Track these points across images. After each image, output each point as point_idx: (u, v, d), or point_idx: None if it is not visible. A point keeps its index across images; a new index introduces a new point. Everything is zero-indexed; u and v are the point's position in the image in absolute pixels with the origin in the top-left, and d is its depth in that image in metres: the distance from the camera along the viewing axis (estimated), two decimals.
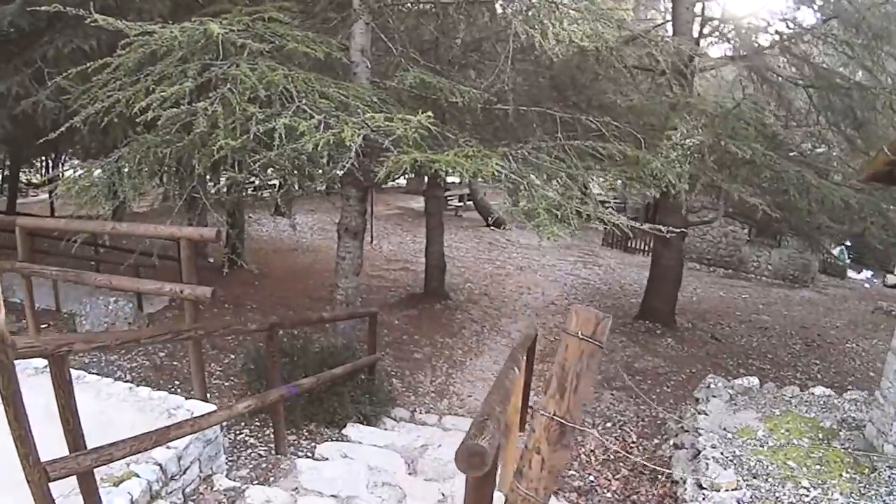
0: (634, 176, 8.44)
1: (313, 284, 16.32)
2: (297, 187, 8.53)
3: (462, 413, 9.97)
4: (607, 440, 9.30)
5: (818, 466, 7.13)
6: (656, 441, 9.44)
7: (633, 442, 9.38)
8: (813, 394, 9.26)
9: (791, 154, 10.91)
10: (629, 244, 26.73)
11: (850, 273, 26.43)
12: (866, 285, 25.54)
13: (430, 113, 6.21)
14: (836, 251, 24.84)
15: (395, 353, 12.02)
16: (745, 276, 23.76)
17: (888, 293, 24.40)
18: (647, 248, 26.00)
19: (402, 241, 24.29)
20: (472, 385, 11.15)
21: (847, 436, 7.87)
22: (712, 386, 9.51)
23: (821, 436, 7.89)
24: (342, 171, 6.83)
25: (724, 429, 8.33)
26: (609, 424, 9.86)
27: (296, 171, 8.08)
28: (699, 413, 8.78)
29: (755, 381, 9.71)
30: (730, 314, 17.69)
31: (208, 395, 6.96)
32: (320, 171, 8.41)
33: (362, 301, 15.18)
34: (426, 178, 15.56)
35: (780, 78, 12.15)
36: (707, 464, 7.13)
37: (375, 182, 7.38)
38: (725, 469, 7.11)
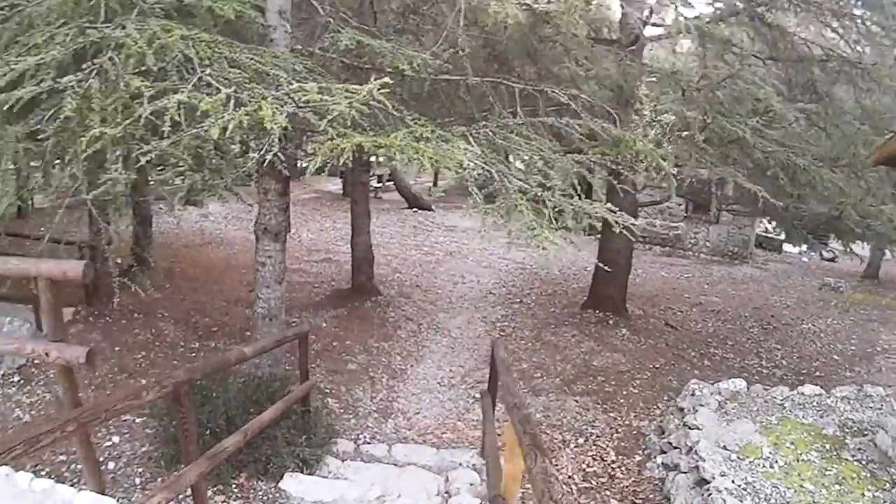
0: (618, 159, 7.11)
1: (230, 284, 14.60)
2: (199, 186, 6.77)
3: (412, 437, 8.59)
4: (583, 461, 8.06)
5: (837, 486, 6.50)
6: (638, 458, 8.29)
7: (613, 461, 8.17)
8: (803, 394, 8.52)
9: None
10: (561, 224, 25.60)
11: (786, 247, 26.14)
12: (804, 259, 25.36)
13: (386, 80, 4.68)
14: (770, 225, 24.43)
15: (328, 365, 10.52)
16: (683, 254, 22.97)
17: (826, 266, 24.42)
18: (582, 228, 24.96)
19: (322, 228, 22.53)
20: (417, 399, 9.77)
21: (856, 445, 7.23)
22: (697, 393, 8.39)
23: (828, 447, 7.24)
24: (262, 162, 5.31)
25: (725, 447, 7.28)
26: (581, 440, 8.62)
27: (198, 166, 6.43)
28: (690, 428, 7.68)
29: (741, 384, 8.68)
30: (678, 297, 16.77)
31: (106, 484, 5.39)
32: (232, 162, 6.84)
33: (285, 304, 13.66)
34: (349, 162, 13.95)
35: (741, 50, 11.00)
36: (723, 499, 6.06)
37: (304, 172, 5.81)
38: (742, 502, 6.09)
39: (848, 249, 13.01)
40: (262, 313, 8.14)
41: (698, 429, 7.61)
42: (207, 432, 6.17)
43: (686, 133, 8.33)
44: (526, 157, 6.60)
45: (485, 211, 5.84)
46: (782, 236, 26.01)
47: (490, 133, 6.22)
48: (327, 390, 9.63)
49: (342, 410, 9.11)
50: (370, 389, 9.89)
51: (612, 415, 9.49)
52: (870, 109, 10.37)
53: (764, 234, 25.45)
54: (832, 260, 25.55)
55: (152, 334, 10.86)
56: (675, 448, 7.79)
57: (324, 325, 12.33)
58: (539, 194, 5.86)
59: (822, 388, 8.63)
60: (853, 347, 13.84)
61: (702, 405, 8.07)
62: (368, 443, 8.24)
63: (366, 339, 11.79)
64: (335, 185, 30.95)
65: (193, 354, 10.46)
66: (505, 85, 7.46)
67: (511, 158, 7.61)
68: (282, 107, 4.89)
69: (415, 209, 27.50)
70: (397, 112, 6.10)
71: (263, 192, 7.79)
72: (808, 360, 12.91)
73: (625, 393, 10.26)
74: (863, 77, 9.77)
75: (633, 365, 11.35)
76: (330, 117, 4.78)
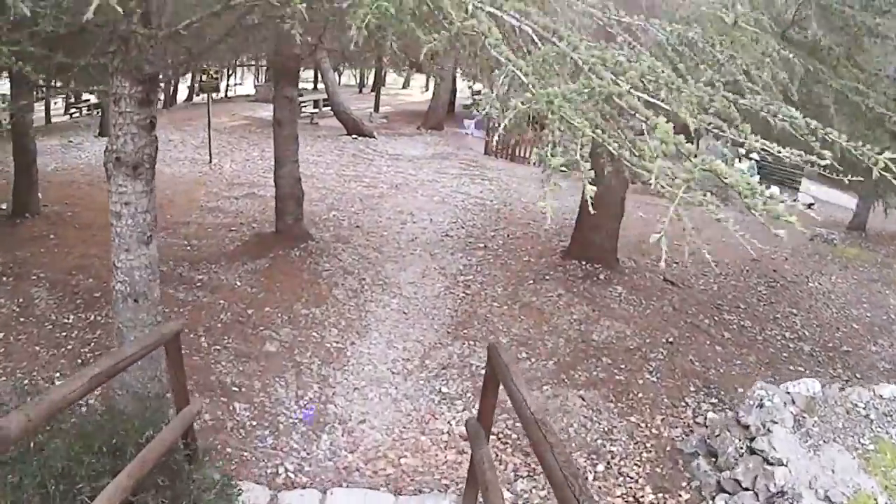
0: None
1: None
2: None
3: (357, 464, 5.91)
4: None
5: None
6: (685, 495, 5.71)
7: (652, 501, 5.61)
8: (882, 397, 6.13)
9: None
10: (516, 152, 22.93)
11: None
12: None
13: None
14: (743, 165, 22.28)
15: (238, 346, 7.72)
16: (659, 193, 20.30)
17: (804, 214, 22.01)
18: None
19: (248, 157, 19.28)
20: (361, 397, 7.05)
21: None
22: (767, 403, 5.82)
23: None
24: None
25: (827, 496, 4.75)
26: (601, 466, 6.06)
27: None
28: (769, 462, 5.16)
29: (815, 386, 6.16)
30: (669, 246, 14.14)
31: None
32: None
33: (189, 253, 10.73)
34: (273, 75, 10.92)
35: None
36: None
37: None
38: None
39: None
40: (121, 291, 5.29)
41: (782, 464, 5.13)
42: None
43: None
44: None
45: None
46: (756, 179, 24.12)
47: None
48: (234, 388, 6.86)
49: (254, 423, 6.35)
50: (295, 383, 7.12)
51: (632, 419, 6.96)
52: None
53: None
54: (810, 206, 23.51)
55: (18, 305, 8.28)
56: (747, 490, 5.27)
57: (237, 284, 9.45)
58: None
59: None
60: (868, 315, 11.58)
61: (775, 422, 5.57)
62: (292, 481, 5.52)
63: (291, 303, 8.96)
64: (267, 111, 27.48)
65: (65, 334, 7.75)
66: None
67: None
68: None
69: (354, 136, 24.40)
70: None
71: (114, 99, 4.82)
72: (828, 329, 10.58)
73: (640, 382, 7.72)
74: None
75: (642, 338, 8.80)
76: None
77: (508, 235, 12.92)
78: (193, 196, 14.38)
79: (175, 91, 44.37)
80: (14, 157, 11.68)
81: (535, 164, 22.16)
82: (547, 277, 10.53)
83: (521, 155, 22.80)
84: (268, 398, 6.77)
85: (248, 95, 34.27)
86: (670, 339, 8.96)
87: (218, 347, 7.63)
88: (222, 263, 10.16)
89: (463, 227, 13.30)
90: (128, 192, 4.99)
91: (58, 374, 6.92)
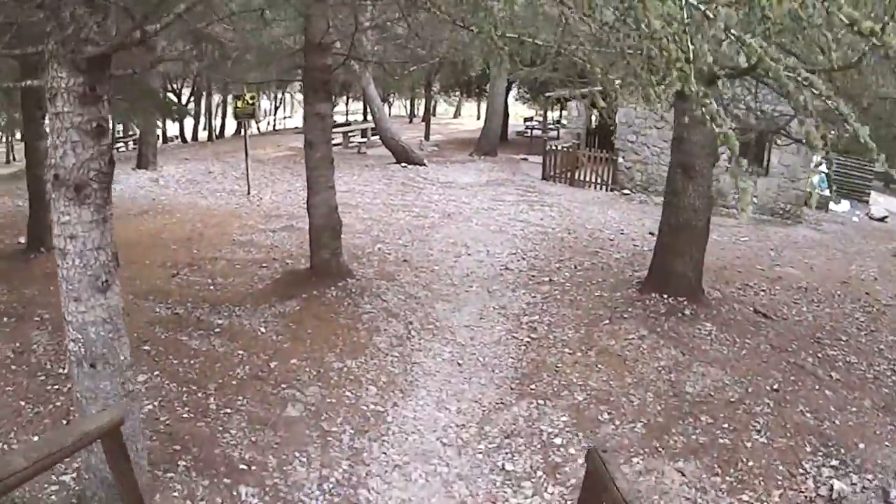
0: None
1: (150, 266, 10.52)
2: None
3: None
4: None
5: None
6: None
7: None
8: None
9: None
10: (576, 176, 21.39)
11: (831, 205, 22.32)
12: (854, 219, 21.33)
13: None
14: (815, 179, 20.75)
15: (252, 409, 6.32)
16: (728, 213, 18.55)
17: (881, 228, 20.42)
18: (599, 181, 21.00)
19: (290, 188, 18.00)
20: (403, 477, 5.57)
21: None
22: None
23: None
24: None
25: None
26: None
27: None
28: None
29: None
30: (750, 269, 12.47)
31: None
32: None
33: (211, 293, 9.46)
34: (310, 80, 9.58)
35: None
36: None
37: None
38: None
39: None
40: (75, 353, 3.94)
41: None
42: None
43: None
44: None
45: None
46: (827, 192, 22.37)
47: None
48: (243, 465, 5.44)
49: None
50: (319, 459, 5.65)
51: (744, 497, 5.39)
52: None
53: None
54: (883, 220, 21.67)
55: (14, 350, 7.23)
56: None
57: (262, 330, 8.09)
58: None
59: None
60: None
61: None
62: None
63: (323, 353, 7.54)
64: None
65: (56, 387, 6.57)
66: None
67: None
68: None
69: (404, 164, 23.13)
70: None
71: (49, 96, 3.48)
72: None
73: (748, 446, 6.15)
74: None
75: (744, 387, 7.19)
76: None
77: (576, 266, 11.36)
78: (226, 229, 13.16)
79: (223, 125, 43.98)
80: (28, 187, 10.75)
81: (596, 186, 20.78)
82: (625, 315, 8.95)
83: (581, 178, 21.26)
84: (283, 480, 5.32)
85: (296, 128, 33.39)
86: (775, 387, 7.33)
87: (229, 410, 6.24)
88: (247, 305, 8.84)
89: (524, 259, 11.77)
90: (72, 221, 3.67)
91: (36, 438, 5.64)
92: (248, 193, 17.18)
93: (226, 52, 9.58)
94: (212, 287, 9.70)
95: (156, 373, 6.97)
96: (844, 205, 22.50)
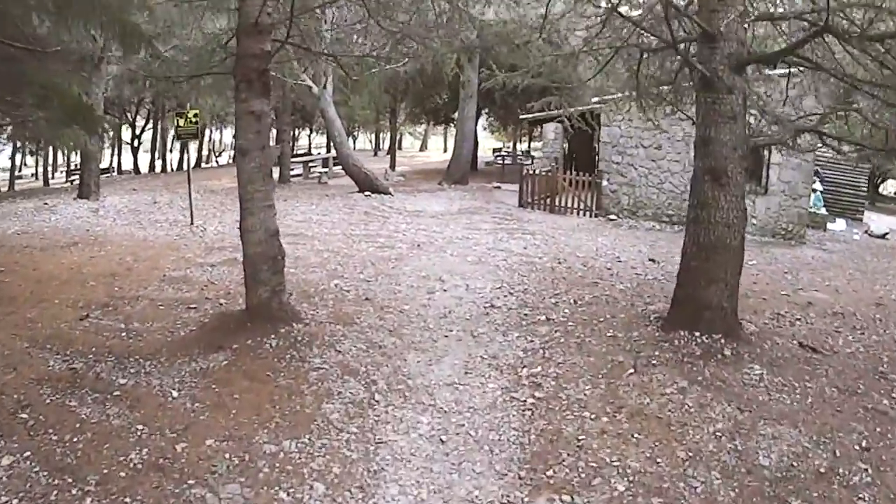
0: None
1: (58, 305, 8.58)
2: None
3: None
4: None
5: None
6: None
7: None
8: None
9: None
10: (557, 202, 19.54)
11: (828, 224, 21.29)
12: (855, 237, 20.14)
13: None
14: (811, 199, 19.37)
15: None
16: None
17: (885, 245, 19.15)
18: (582, 206, 19.26)
19: (238, 218, 15.82)
20: None
21: None
22: None
23: None
24: None
25: None
26: None
27: None
28: None
29: None
30: (774, 295, 10.55)
31: None
32: None
33: (121, 341, 7.36)
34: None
35: None
36: None
37: None
38: None
39: None
40: None
41: None
42: None
43: None
44: None
45: None
46: (823, 210, 21.09)
47: None
48: None
49: None
50: None
51: None
52: None
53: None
54: (884, 237, 20.56)
55: None
56: None
57: (173, 394, 5.98)
58: None
59: None
60: None
61: None
62: None
63: (251, 430, 5.40)
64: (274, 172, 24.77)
65: None
66: None
67: None
68: None
69: (368, 192, 21.13)
70: None
71: None
72: None
73: None
74: None
75: (828, 450, 5.37)
76: None
77: (576, 301, 9.32)
78: (159, 263, 11.05)
79: (182, 157, 42.17)
80: None
81: (579, 212, 18.92)
82: (653, 362, 6.91)
83: (562, 205, 19.42)
84: None
85: None
86: (863, 444, 5.51)
87: None
88: (161, 359, 6.74)
89: (512, 294, 9.70)
90: None
91: None
92: (192, 224, 15.12)
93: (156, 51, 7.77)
94: (124, 334, 7.60)
95: (26, 454, 4.92)
96: (840, 223, 21.56)
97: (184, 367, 6.58)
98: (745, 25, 8.02)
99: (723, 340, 7.38)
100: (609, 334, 7.90)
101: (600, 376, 6.71)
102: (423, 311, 8.75)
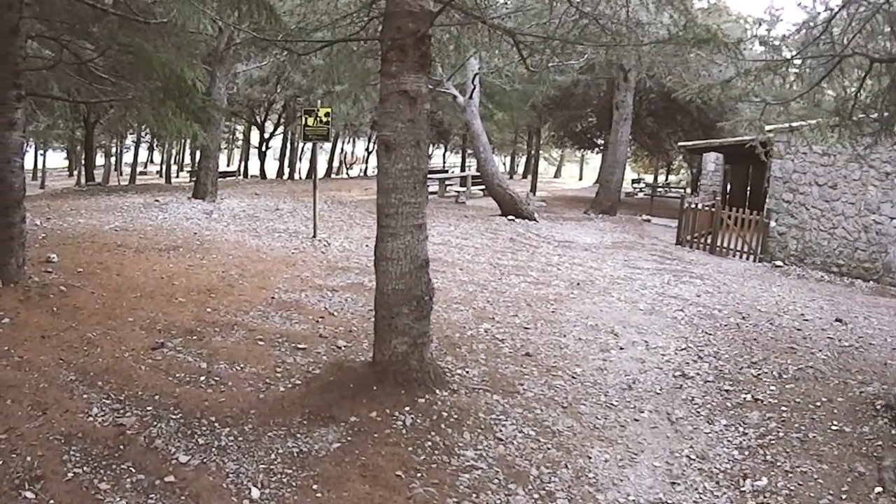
0: None
1: (134, 323, 7.32)
2: None
3: None
4: None
5: None
6: None
7: None
8: None
9: None
10: (716, 243, 17.55)
11: None
12: None
13: None
14: None
15: None
16: None
17: None
18: (746, 249, 17.19)
19: (369, 234, 14.52)
20: None
21: None
22: None
23: None
24: None
25: None
26: None
27: None
28: None
29: None
30: None
31: None
32: None
33: (195, 390, 5.52)
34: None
35: None
36: None
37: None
38: None
39: None
40: None
41: None
42: None
43: None
44: None
45: None
46: None
47: None
48: None
49: None
50: None
51: None
52: None
53: None
54: None
55: None
56: None
57: (253, 493, 4.43)
58: None
59: None
60: None
61: None
62: None
63: None
64: None
65: None
66: None
67: None
68: None
69: (511, 217, 19.75)
70: None
71: None
72: None
73: None
74: None
75: None
76: None
77: (779, 375, 7.47)
78: (268, 281, 9.80)
79: (311, 166, 42.06)
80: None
81: (742, 255, 16.85)
82: None
83: (724, 245, 17.41)
84: None
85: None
86: None
87: None
88: (246, 427, 5.27)
89: (702, 359, 7.95)
90: None
91: None
92: (314, 236, 13.98)
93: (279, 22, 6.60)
94: (203, 378, 6.15)
95: None
96: None
97: (276, 444, 5.05)
98: None
99: None
100: (834, 427, 6.08)
101: (843, 496, 4.97)
102: (599, 378, 7.13)
